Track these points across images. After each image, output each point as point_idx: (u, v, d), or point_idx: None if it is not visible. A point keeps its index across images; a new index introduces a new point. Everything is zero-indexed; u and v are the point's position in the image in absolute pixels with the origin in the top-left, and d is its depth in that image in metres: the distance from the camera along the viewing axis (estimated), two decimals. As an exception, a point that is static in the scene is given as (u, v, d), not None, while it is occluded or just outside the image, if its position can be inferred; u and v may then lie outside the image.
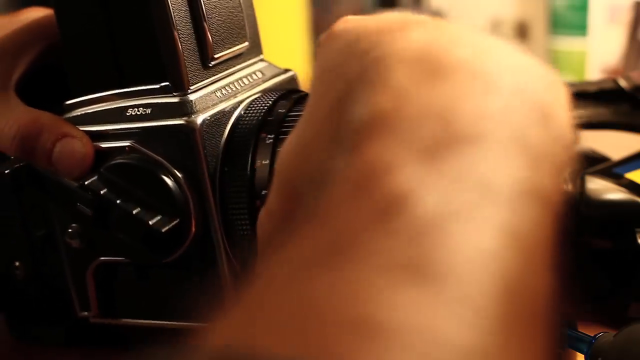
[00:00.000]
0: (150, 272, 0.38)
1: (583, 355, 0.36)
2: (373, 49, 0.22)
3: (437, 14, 1.10)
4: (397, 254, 0.17)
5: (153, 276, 0.38)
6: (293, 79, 0.42)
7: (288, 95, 0.38)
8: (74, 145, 0.37)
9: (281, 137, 0.35)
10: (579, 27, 0.89)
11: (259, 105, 0.37)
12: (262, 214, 0.26)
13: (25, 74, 0.40)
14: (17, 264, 0.40)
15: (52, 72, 0.40)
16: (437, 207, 0.18)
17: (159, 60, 0.35)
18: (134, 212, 0.34)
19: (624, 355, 0.34)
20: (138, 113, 0.36)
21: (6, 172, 0.37)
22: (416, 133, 0.19)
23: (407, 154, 0.19)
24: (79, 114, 0.38)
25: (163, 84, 0.36)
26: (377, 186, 0.19)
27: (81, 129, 0.37)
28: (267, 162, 0.35)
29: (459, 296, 0.16)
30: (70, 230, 0.38)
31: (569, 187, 0.21)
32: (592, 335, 0.36)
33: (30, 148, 0.37)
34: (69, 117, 0.38)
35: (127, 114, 0.36)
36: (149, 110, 0.36)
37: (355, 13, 1.02)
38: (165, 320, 0.38)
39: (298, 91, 0.39)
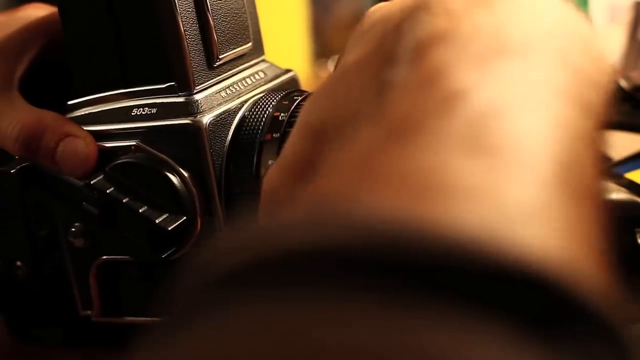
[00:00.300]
0: (154, 270, 0.38)
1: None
2: None
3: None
4: (462, 131, 0.19)
5: (157, 274, 0.38)
6: (294, 80, 0.42)
7: (290, 95, 0.38)
8: (77, 145, 0.37)
9: (288, 130, 0.36)
10: None
11: (263, 105, 0.37)
12: (273, 171, 0.27)
13: (27, 72, 0.40)
14: (18, 263, 0.40)
15: (53, 69, 0.41)
16: (494, 99, 0.20)
17: (165, 60, 0.36)
18: (140, 210, 0.35)
19: None
20: (143, 113, 0.36)
21: (12, 171, 0.38)
22: (471, 44, 0.22)
23: (464, 59, 0.21)
24: (83, 113, 0.38)
25: (168, 84, 0.36)
26: (438, 83, 0.21)
27: (85, 128, 0.38)
28: (273, 160, 0.36)
29: (521, 164, 0.18)
30: (73, 229, 0.38)
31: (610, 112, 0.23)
32: None
33: (34, 148, 0.38)
34: (73, 117, 0.38)
35: (132, 113, 0.37)
36: (154, 110, 0.36)
37: (355, 13, 1.02)
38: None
39: (301, 91, 0.39)
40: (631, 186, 0.43)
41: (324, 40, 1.15)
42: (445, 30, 0.22)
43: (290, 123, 0.36)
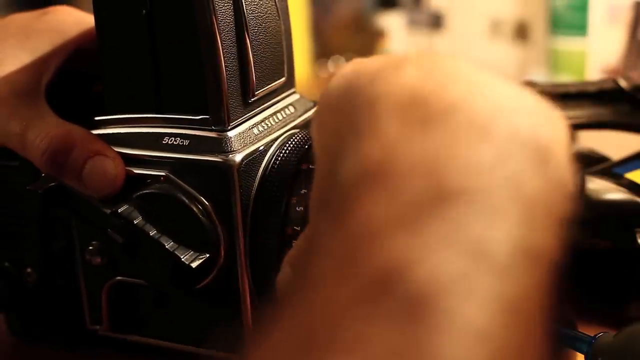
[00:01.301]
0: (169, 296, 0.39)
1: (583, 355, 0.36)
2: (365, 94, 0.23)
3: (437, 14, 1.11)
4: (385, 344, 0.17)
5: (172, 300, 0.39)
6: None
7: None
8: (106, 165, 0.37)
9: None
10: (579, 27, 0.89)
11: (293, 146, 0.38)
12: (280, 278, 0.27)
13: (52, 80, 0.40)
14: (28, 270, 0.41)
15: (77, 78, 0.41)
16: (430, 281, 0.17)
17: (202, 92, 0.36)
18: (167, 245, 0.35)
19: (624, 355, 0.34)
20: (175, 143, 0.37)
21: (40, 191, 0.38)
22: (406, 192, 0.19)
23: (395, 219, 0.19)
24: (111, 132, 0.38)
25: (203, 116, 0.36)
26: (363, 259, 0.18)
27: (114, 149, 0.37)
28: (302, 208, 0.36)
29: None
30: (90, 247, 0.39)
31: (567, 236, 0.20)
32: (592, 335, 0.36)
33: (61, 163, 0.37)
34: (101, 134, 0.38)
35: (163, 142, 0.37)
36: (186, 142, 0.36)
37: (355, 13, 1.03)
38: (178, 343, 0.39)
39: None
40: (631, 186, 0.43)
41: (324, 41, 1.16)
42: (376, 166, 0.20)
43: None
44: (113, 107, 0.38)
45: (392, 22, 1.15)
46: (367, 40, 1.17)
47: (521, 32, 1.01)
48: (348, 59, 1.23)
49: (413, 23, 1.13)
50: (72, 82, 0.41)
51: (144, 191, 0.36)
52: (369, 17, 1.22)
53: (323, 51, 1.14)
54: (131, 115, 0.38)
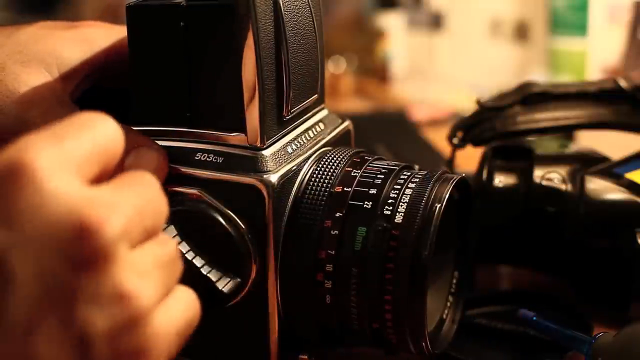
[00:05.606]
0: None
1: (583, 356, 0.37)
2: None
3: (437, 14, 1.11)
4: None
5: None
6: (349, 131, 0.43)
7: (350, 160, 0.39)
8: (151, 154, 0.36)
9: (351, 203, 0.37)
10: (579, 27, 0.90)
11: (325, 167, 0.38)
12: None
13: (77, 94, 0.40)
14: None
15: (104, 94, 0.41)
16: None
17: (238, 109, 0.36)
18: (201, 267, 0.35)
19: (624, 355, 0.35)
20: (208, 160, 0.36)
21: None
22: None
23: None
24: None
25: (238, 133, 0.36)
26: None
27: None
28: (336, 232, 0.36)
29: None
30: None
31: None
32: (592, 335, 0.37)
33: None
34: None
35: (196, 157, 0.37)
36: (220, 160, 0.36)
37: (355, 13, 1.03)
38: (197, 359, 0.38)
39: (359, 154, 0.40)
40: (631, 186, 0.45)
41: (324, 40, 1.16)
42: None
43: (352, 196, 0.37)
44: (142, 118, 0.38)
45: (392, 22, 1.16)
46: (367, 40, 1.18)
47: (521, 32, 1.02)
48: (348, 59, 1.23)
49: (413, 23, 1.14)
50: (99, 98, 0.41)
51: (177, 208, 0.36)
52: (369, 17, 1.22)
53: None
54: (161, 127, 0.38)
